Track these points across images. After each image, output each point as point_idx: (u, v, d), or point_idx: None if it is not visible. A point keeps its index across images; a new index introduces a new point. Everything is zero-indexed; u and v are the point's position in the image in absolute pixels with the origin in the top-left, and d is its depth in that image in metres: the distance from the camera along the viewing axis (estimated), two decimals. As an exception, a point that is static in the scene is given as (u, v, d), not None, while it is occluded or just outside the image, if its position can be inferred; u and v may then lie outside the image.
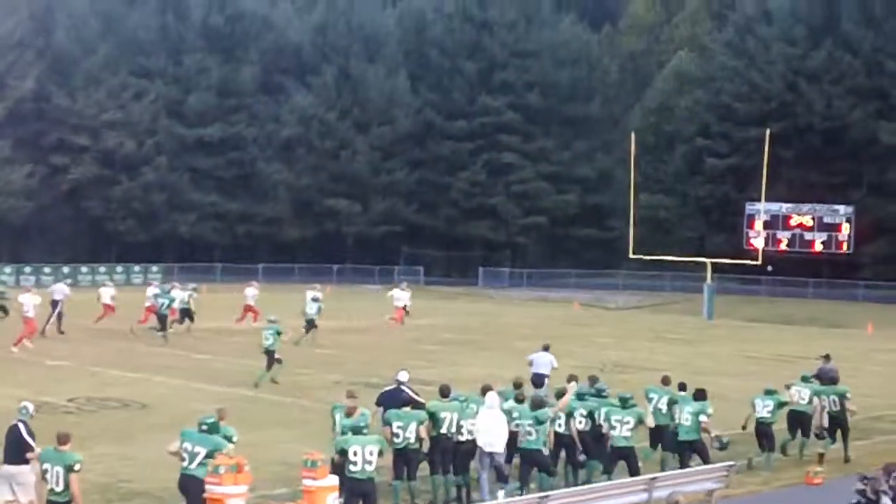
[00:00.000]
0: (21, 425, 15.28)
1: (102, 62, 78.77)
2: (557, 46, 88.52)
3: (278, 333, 29.97)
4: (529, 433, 17.88)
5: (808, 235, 76.17)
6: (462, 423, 17.86)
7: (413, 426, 17.27)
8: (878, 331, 52.59)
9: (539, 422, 17.88)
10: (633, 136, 64.21)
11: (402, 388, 19.27)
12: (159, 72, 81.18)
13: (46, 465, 13.92)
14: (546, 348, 27.59)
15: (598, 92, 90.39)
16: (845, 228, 75.68)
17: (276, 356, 29.57)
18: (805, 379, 22.65)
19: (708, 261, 61.94)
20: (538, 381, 26.50)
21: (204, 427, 15.03)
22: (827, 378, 23.28)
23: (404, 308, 45.38)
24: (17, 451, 15.14)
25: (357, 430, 15.63)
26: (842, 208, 75.96)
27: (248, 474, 14.35)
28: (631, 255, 63.66)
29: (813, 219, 76.23)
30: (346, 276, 78.42)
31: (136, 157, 78.32)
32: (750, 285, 74.12)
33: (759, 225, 73.03)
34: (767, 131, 61.05)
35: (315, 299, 39.97)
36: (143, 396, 26.67)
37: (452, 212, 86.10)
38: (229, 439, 15.34)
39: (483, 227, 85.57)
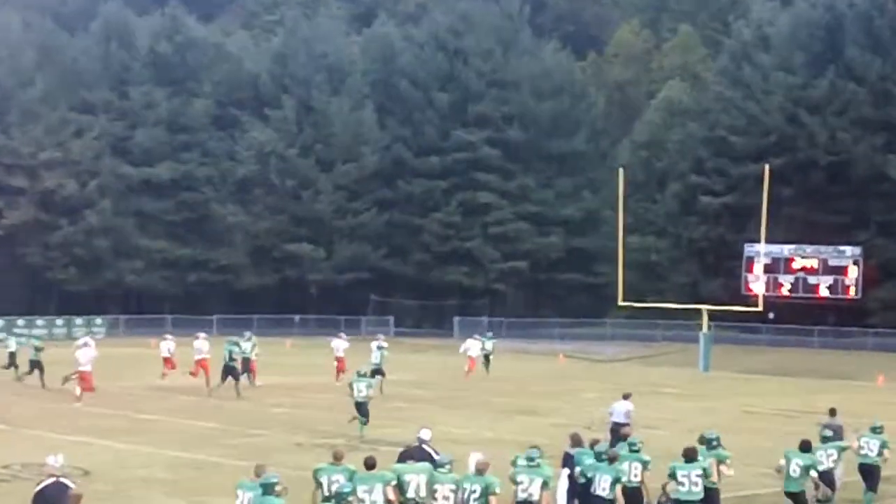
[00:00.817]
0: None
1: (40, 96, 78.92)
2: (538, 76, 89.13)
3: (370, 386, 33.47)
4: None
5: (812, 279, 76.56)
6: (436, 486, 17.79)
7: (379, 488, 17.23)
8: (890, 382, 52.79)
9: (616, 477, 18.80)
10: (621, 172, 64.55)
11: (424, 446, 19.54)
12: (103, 106, 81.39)
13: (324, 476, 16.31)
14: (626, 397, 29.40)
15: (583, 125, 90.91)
16: (852, 272, 76.10)
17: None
18: (875, 430, 22.86)
19: (704, 308, 62.15)
20: (617, 429, 27.66)
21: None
22: (838, 433, 23.52)
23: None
24: None
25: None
26: (848, 249, 76.42)
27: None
28: (620, 303, 63.77)
29: (817, 261, 76.65)
30: (309, 327, 78.34)
31: (78, 199, 78.30)
32: (749, 334, 74.36)
33: (758, 268, 73.32)
34: (766, 167, 61.45)
35: (380, 347, 43.80)
36: (84, 462, 26.50)
37: (425, 256, 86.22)
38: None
39: (458, 272, 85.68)
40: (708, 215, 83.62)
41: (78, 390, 37.79)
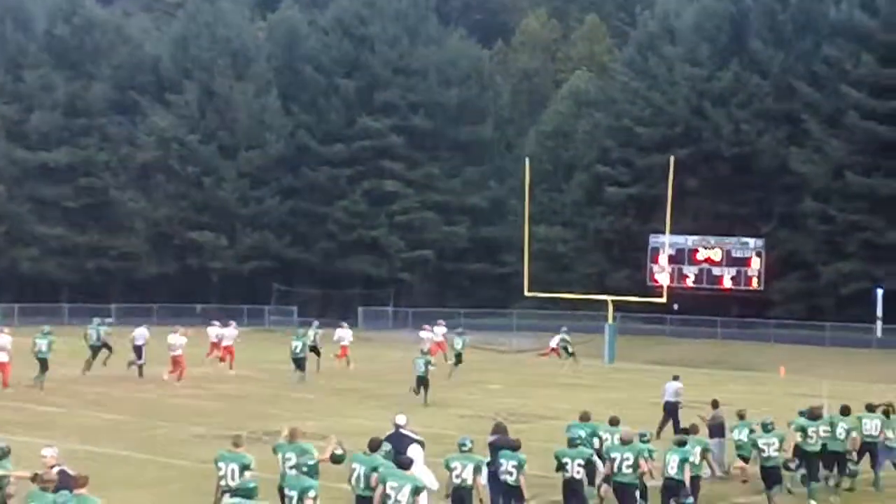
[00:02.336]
0: None
1: (-69, 78, 77.53)
2: (445, 64, 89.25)
3: (428, 363, 38.81)
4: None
5: (716, 271, 77.60)
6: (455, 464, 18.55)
7: (408, 489, 17.03)
8: (792, 374, 53.72)
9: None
10: (527, 162, 64.87)
11: (402, 431, 20.25)
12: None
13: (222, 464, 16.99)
14: (676, 378, 33.36)
15: (490, 114, 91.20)
16: (755, 263, 77.26)
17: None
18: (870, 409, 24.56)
19: (609, 298, 62.74)
20: (670, 407, 31.79)
21: None
22: (716, 425, 23.87)
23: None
24: None
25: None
26: (752, 241, 77.54)
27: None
28: (526, 293, 64.23)
29: (721, 253, 77.68)
30: (212, 316, 77.59)
31: (-29, 184, 77.05)
32: (654, 325, 75.09)
33: (663, 259, 74.23)
34: (672, 158, 62.16)
35: (461, 334, 50.21)
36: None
37: (329, 245, 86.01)
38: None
39: (363, 262, 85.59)
40: (614, 206, 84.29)
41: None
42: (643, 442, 21.11)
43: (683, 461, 20.60)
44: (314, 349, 46.98)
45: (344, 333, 50.84)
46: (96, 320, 45.65)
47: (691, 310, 76.21)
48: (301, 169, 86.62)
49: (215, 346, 47.62)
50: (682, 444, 21.21)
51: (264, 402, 36.94)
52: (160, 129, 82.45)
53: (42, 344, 39.16)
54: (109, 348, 43.77)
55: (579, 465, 19.75)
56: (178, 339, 42.83)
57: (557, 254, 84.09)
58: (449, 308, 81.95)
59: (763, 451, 22.68)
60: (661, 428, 30.17)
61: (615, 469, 20.20)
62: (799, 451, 23.92)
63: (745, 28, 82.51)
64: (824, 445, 24.03)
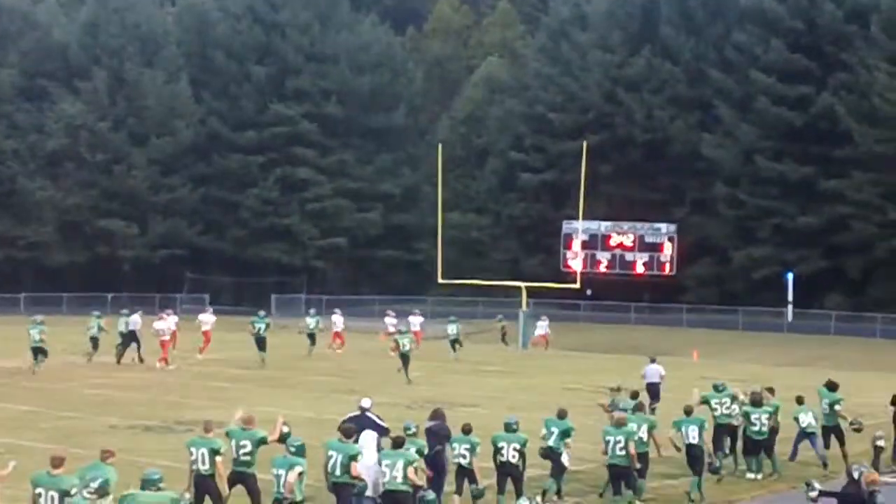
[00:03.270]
0: None
1: None
2: (357, 50, 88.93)
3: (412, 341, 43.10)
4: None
5: (629, 256, 78.11)
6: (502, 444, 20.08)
7: (401, 464, 17.99)
8: (705, 358, 54.16)
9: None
10: (440, 148, 64.80)
11: (368, 414, 20.48)
12: None
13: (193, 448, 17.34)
14: (653, 360, 35.66)
15: (403, 100, 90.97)
16: (667, 248, 77.87)
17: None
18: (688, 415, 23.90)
19: (523, 285, 62.85)
20: (653, 389, 34.03)
21: None
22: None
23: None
24: None
25: None
26: (664, 227, 78.14)
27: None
28: (440, 280, 64.14)
29: (634, 238, 78.17)
30: (123, 305, 76.47)
31: None
32: (569, 310, 75.36)
33: (576, 245, 74.53)
34: (585, 144, 62.40)
35: (453, 321, 52.29)
36: None
37: (241, 233, 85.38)
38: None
39: (276, 249, 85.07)
40: (527, 192, 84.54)
41: None
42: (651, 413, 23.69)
43: (701, 428, 22.57)
44: (311, 336, 50.13)
45: (338, 319, 53.22)
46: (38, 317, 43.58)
47: (605, 295, 76.70)
48: (212, 156, 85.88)
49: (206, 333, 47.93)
50: (689, 412, 23.00)
51: (175, 391, 36.49)
52: (69, 116, 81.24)
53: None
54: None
55: (515, 449, 20.11)
56: (163, 324, 44.27)
57: (471, 240, 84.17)
58: (362, 295, 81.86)
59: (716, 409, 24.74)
60: (652, 410, 30.32)
61: (609, 451, 20.85)
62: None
63: (656, 14, 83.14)
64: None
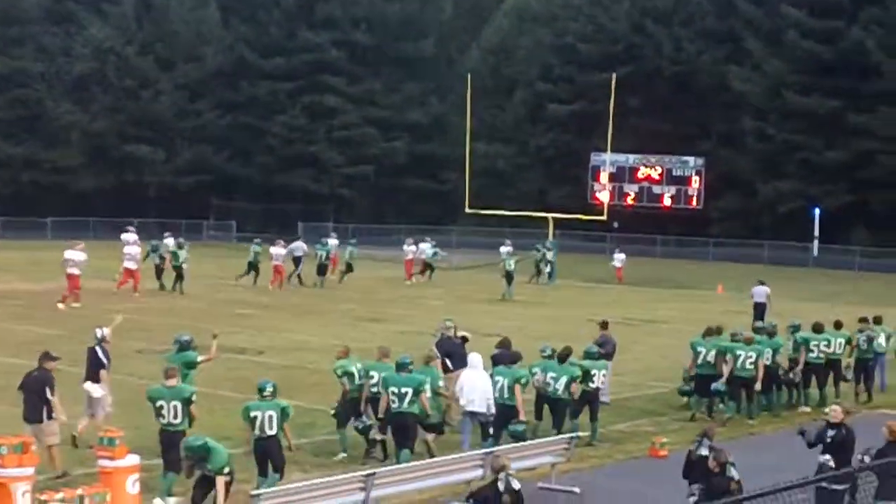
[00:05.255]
0: (98, 349, 19.43)
1: None
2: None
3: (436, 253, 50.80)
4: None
5: (656, 189, 77.83)
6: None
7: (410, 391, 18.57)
8: (729, 291, 54.03)
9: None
10: (469, 78, 64.43)
11: (447, 335, 22.43)
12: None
13: (161, 402, 16.49)
14: (762, 282, 40.46)
15: (432, 30, 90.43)
16: (695, 182, 77.55)
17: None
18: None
19: (550, 216, 62.62)
20: (759, 308, 38.07)
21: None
22: (609, 347, 23.66)
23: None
24: (93, 371, 19.30)
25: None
26: (691, 160, 77.76)
27: (35, 455, 13.99)
28: (467, 210, 64.04)
29: (661, 171, 77.82)
30: (150, 231, 76.85)
31: None
32: (595, 242, 75.29)
33: (604, 177, 74.28)
34: (613, 76, 61.94)
35: (511, 254, 51.08)
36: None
37: (268, 160, 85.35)
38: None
39: (303, 177, 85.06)
40: (555, 123, 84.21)
41: None
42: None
43: (759, 356, 23.67)
44: (349, 267, 51.25)
45: (410, 248, 55.07)
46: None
47: (631, 228, 76.48)
48: (240, 83, 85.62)
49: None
50: (750, 341, 24.06)
51: (202, 317, 36.59)
52: (97, 40, 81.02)
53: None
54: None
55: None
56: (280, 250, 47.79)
57: (498, 171, 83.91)
58: (388, 224, 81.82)
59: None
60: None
61: (738, 365, 23.39)
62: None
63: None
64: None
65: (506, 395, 19.65)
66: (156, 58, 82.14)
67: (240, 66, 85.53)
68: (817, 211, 72.72)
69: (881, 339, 26.94)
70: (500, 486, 12.15)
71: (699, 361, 23.97)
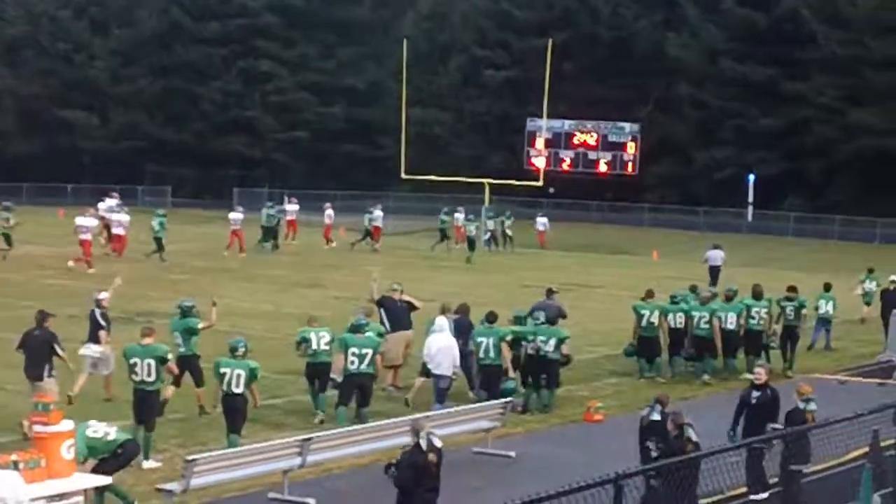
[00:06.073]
0: (96, 311, 20.41)
1: None
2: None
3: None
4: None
5: (592, 155, 78.12)
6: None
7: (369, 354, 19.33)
8: (664, 257, 54.47)
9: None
10: (405, 43, 64.29)
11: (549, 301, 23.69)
12: None
13: (135, 359, 16.80)
14: (717, 246, 42.91)
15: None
16: (631, 148, 77.91)
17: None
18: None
19: (486, 181, 62.74)
20: (714, 271, 40.88)
21: None
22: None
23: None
24: (94, 333, 20.32)
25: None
26: (627, 126, 78.12)
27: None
28: (403, 176, 64.02)
29: (597, 137, 78.09)
30: (83, 197, 76.11)
31: None
32: (531, 208, 75.30)
33: (540, 143, 74.39)
34: (550, 41, 62.00)
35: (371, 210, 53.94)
36: None
37: (203, 125, 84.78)
38: None
39: (238, 142, 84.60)
40: (491, 89, 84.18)
41: None
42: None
43: (739, 315, 24.93)
44: (367, 233, 53.44)
45: (378, 214, 55.35)
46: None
47: (567, 193, 76.76)
48: (174, 47, 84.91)
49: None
50: (730, 299, 25.47)
51: (136, 283, 36.36)
52: (29, 3, 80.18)
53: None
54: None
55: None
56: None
57: (434, 136, 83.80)
58: (324, 190, 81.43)
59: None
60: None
61: (696, 324, 24.53)
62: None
63: None
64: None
65: (492, 355, 20.21)
66: (90, 21, 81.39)
67: (174, 31, 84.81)
68: (752, 178, 73.29)
69: (829, 307, 29.07)
70: (423, 444, 12.19)
71: (643, 324, 24.34)
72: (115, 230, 44.08)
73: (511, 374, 20.46)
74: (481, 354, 20.35)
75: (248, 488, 15.39)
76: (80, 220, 40.76)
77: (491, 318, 21.12)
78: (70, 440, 13.57)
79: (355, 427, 17.14)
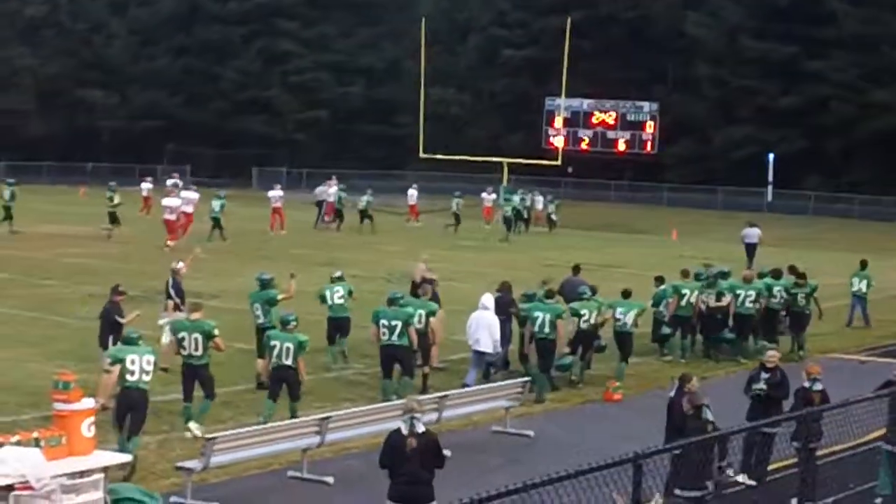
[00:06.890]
0: (170, 280, 21.28)
1: None
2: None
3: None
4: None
5: (610, 134, 77.92)
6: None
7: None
8: (683, 237, 54.32)
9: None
10: (423, 22, 64.18)
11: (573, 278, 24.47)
12: None
13: (183, 334, 17.14)
14: (753, 225, 43.06)
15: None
16: (649, 127, 77.68)
17: None
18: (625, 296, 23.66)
19: (504, 161, 62.63)
20: (750, 249, 41.01)
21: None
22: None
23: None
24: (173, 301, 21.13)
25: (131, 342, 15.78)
26: (646, 105, 77.86)
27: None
28: (421, 155, 63.94)
29: (616, 117, 77.88)
30: (102, 176, 76.26)
31: None
32: (549, 188, 75.11)
33: (558, 122, 74.26)
34: (568, 20, 61.81)
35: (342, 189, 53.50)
36: None
37: (222, 105, 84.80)
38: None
39: (257, 122, 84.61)
40: (509, 69, 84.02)
41: None
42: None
43: (759, 294, 24.79)
44: (366, 214, 52.11)
45: (413, 192, 57.78)
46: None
47: (586, 173, 76.59)
48: (194, 27, 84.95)
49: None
50: (749, 280, 25.26)
51: (155, 262, 36.41)
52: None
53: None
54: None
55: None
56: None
57: (452, 116, 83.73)
58: (343, 169, 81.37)
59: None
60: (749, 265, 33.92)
61: (740, 303, 24.38)
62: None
63: None
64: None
65: (546, 330, 20.42)
66: (109, 1, 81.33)
67: (193, 10, 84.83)
68: (771, 156, 73.04)
69: (862, 285, 29.54)
70: (404, 429, 11.92)
71: (682, 303, 24.31)
72: (185, 208, 44.50)
73: (565, 349, 20.99)
74: (536, 328, 20.56)
75: (268, 466, 15.44)
76: (165, 202, 42.38)
77: (550, 294, 21.53)
78: (90, 418, 13.60)
79: (372, 406, 17.16)
